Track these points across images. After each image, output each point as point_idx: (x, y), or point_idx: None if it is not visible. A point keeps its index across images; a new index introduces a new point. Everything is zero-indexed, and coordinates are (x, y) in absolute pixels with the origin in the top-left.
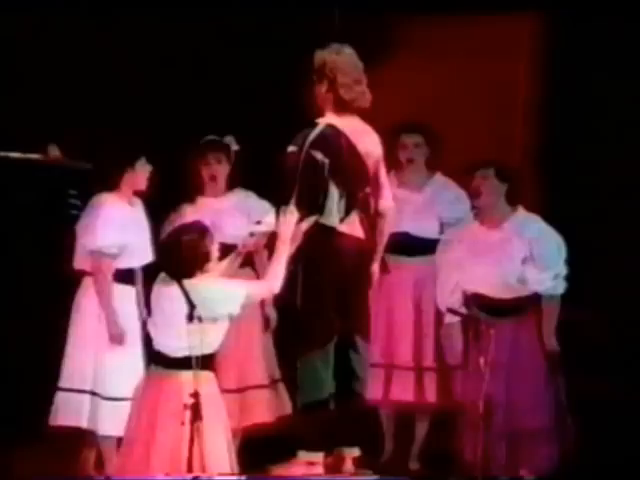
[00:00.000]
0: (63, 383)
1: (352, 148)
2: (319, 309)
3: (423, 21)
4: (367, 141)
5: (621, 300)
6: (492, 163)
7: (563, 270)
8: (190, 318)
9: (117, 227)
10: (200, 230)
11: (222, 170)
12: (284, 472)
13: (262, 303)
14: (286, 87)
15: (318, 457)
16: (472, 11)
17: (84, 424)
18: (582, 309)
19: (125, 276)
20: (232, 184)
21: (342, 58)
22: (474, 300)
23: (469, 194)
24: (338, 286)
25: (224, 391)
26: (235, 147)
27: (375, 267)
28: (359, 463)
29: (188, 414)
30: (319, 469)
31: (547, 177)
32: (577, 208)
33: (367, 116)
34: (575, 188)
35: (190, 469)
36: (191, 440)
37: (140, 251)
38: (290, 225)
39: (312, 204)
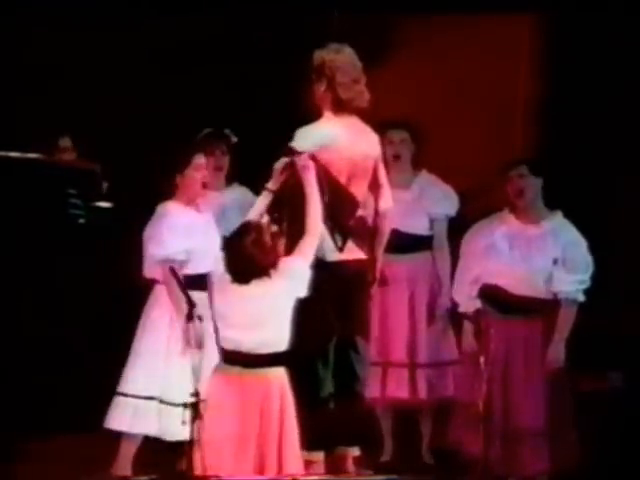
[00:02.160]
0: (128, 389)
1: (333, 181)
2: (319, 311)
3: (423, 21)
4: (365, 141)
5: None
6: (522, 161)
7: (587, 281)
8: (190, 317)
9: (181, 233)
10: (258, 227)
11: (226, 161)
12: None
13: None
14: (285, 86)
15: (318, 457)
16: (472, 11)
17: (152, 431)
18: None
19: (195, 282)
20: (229, 178)
21: (341, 57)
22: (488, 293)
23: (510, 195)
24: (339, 300)
25: None
26: (234, 139)
27: (376, 275)
28: (359, 463)
29: (188, 413)
30: (319, 469)
31: (546, 177)
32: (576, 208)
33: (365, 116)
34: (575, 188)
35: (190, 469)
36: (191, 440)
37: (208, 256)
38: (312, 169)
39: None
